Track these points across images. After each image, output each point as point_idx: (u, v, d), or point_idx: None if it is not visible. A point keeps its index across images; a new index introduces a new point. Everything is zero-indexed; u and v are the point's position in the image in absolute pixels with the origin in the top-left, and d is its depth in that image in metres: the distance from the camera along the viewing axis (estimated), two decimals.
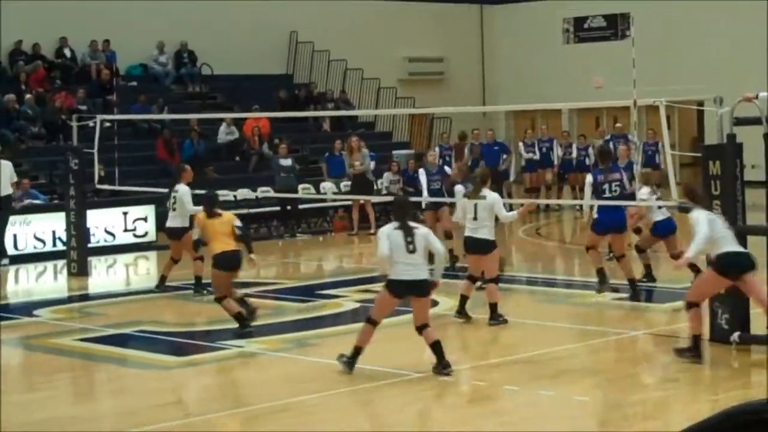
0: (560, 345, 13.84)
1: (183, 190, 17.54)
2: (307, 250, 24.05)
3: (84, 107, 26.93)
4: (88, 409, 11.67)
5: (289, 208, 25.60)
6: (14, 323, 15.78)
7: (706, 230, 12.16)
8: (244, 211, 25.66)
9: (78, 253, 20.09)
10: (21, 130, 26.58)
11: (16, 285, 20.64)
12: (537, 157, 29.81)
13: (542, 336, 14.42)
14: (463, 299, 15.05)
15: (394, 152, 29.31)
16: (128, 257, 22.57)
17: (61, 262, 21.04)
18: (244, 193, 24.11)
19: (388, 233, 11.92)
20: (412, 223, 12.07)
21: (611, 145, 29.67)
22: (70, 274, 20.23)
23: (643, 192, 16.78)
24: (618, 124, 31.02)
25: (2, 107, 26.69)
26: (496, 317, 14.68)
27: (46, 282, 21.31)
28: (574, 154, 29.83)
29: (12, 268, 21.28)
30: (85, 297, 18.82)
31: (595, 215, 16.98)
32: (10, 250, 21.76)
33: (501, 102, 36.69)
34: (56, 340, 14.35)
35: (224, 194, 23.40)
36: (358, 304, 16.57)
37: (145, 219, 23.60)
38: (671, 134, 18.19)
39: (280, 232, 25.54)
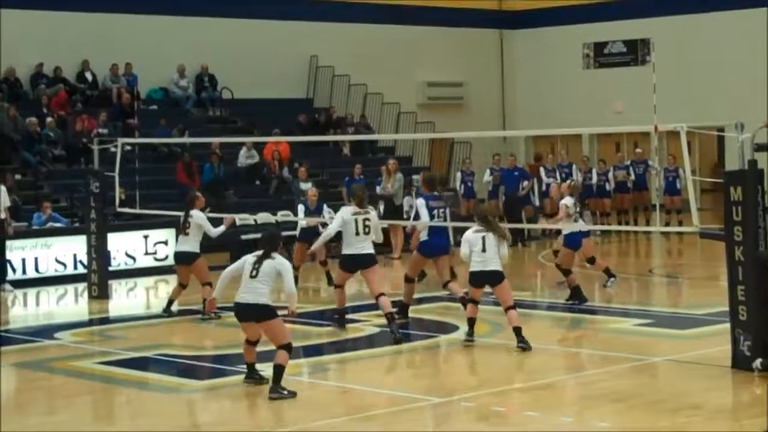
0: (581, 371, 13.80)
1: (198, 216, 17.58)
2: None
3: (105, 131, 27.05)
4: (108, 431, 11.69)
5: None
6: (35, 346, 15.80)
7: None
8: None
9: (99, 276, 20.12)
10: (42, 154, 26.68)
11: (37, 308, 20.69)
12: (558, 182, 29.71)
13: (562, 361, 14.37)
14: (472, 322, 15.03)
15: (414, 177, 29.31)
16: (149, 280, 22.61)
17: (81, 285, 21.09)
18: (264, 217, 24.10)
19: (246, 259, 12.62)
20: (275, 254, 12.58)
21: (631, 170, 29.80)
22: (90, 297, 20.27)
23: (567, 200, 17.94)
24: (638, 150, 31.01)
25: (24, 130, 26.81)
26: (523, 340, 14.64)
27: (66, 305, 21.36)
28: (594, 179, 29.79)
29: (32, 291, 21.34)
30: (106, 320, 18.84)
31: (426, 237, 17.11)
32: (31, 273, 21.85)
33: (520, 126, 36.69)
34: (77, 362, 14.36)
35: (244, 218, 23.50)
36: (378, 329, 16.54)
37: (165, 242, 23.64)
38: (692, 160, 18.31)
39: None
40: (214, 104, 31.69)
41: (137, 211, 21.60)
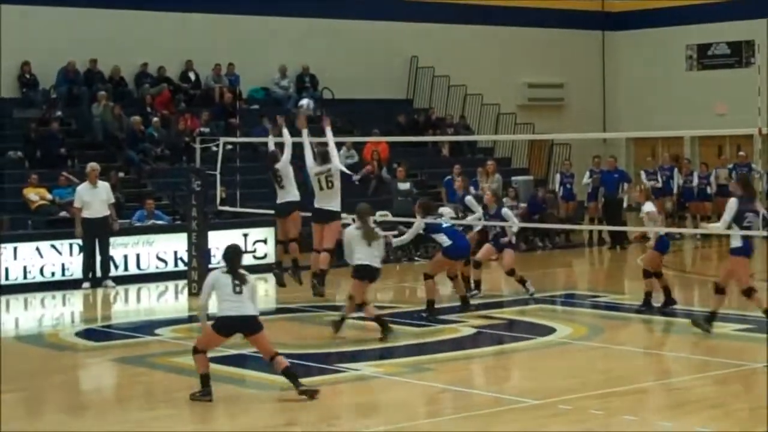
0: (680, 376, 13.67)
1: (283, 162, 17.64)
2: None
3: (207, 130, 27.33)
4: (207, 428, 11.81)
5: None
6: (136, 342, 16.03)
7: None
8: None
9: (199, 273, 20.31)
10: (146, 152, 27.05)
11: (138, 304, 20.99)
12: (659, 184, 29.45)
13: (662, 366, 14.25)
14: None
15: (513, 178, 29.27)
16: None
17: (182, 282, 21.34)
18: None
19: (215, 275, 12.79)
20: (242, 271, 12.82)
21: (734, 174, 29.41)
22: (190, 294, 20.49)
23: (648, 206, 17.75)
24: (741, 153, 30.60)
25: (129, 129, 27.21)
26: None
27: (167, 301, 21.64)
28: (695, 183, 29.46)
29: (134, 287, 21.65)
30: (206, 317, 19.01)
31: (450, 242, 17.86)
32: (133, 270, 22.16)
33: (621, 128, 36.39)
34: (176, 359, 14.54)
35: (344, 217, 23.59)
36: (474, 330, 16.55)
37: (264, 241, 23.84)
38: None
39: (397, 256, 25.58)
40: (315, 104, 31.81)
41: (237, 209, 21.78)
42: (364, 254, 16.22)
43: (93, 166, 22.09)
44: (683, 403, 12.17)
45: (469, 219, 19.51)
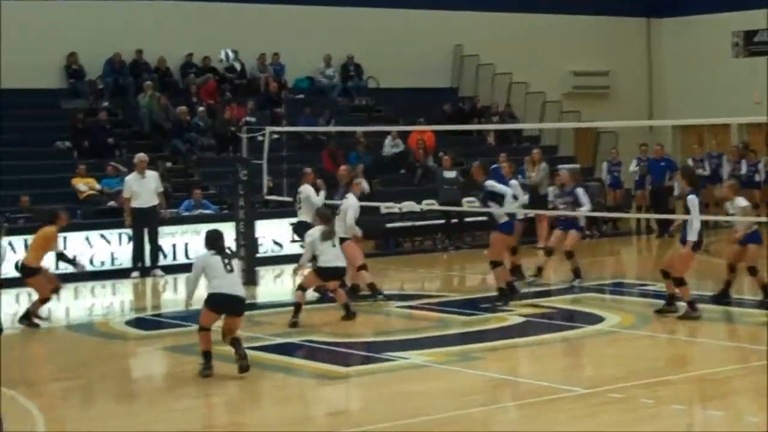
0: (730, 365, 13.59)
1: (305, 189, 19.58)
2: (472, 263, 24.01)
3: (253, 119, 27.40)
4: (258, 416, 11.86)
5: (454, 220, 25.64)
6: (185, 330, 16.10)
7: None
8: (409, 223, 25.87)
9: (246, 262, 20.37)
10: (192, 142, 27.16)
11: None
12: (706, 172, 29.25)
13: (712, 355, 14.18)
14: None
15: (559, 166, 29.12)
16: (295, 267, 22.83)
17: None
18: (408, 206, 24.21)
19: (203, 259, 13.39)
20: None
21: None
22: None
23: (741, 201, 17.50)
24: None
25: (175, 119, 27.32)
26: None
27: None
28: (744, 170, 29.25)
29: (182, 276, 21.71)
30: (253, 306, 19.05)
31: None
32: (181, 259, 22.26)
33: (668, 116, 36.16)
34: (225, 347, 14.58)
35: (389, 206, 23.65)
36: (522, 318, 16.53)
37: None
38: None
39: (444, 245, 25.60)
40: (360, 93, 31.88)
41: (284, 198, 21.84)
42: (332, 255, 16.51)
43: (141, 156, 22.23)
44: (733, 392, 12.11)
45: (515, 205, 19.40)
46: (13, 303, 18.63)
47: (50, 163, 25.38)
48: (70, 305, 20.07)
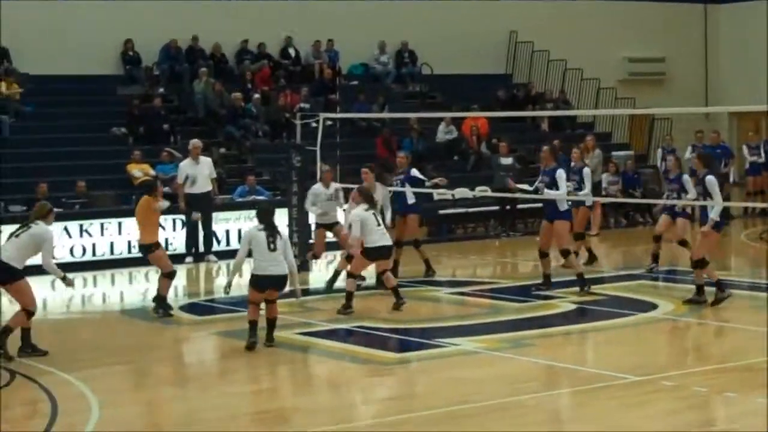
0: None
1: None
2: (524, 250, 23.94)
3: (307, 105, 27.45)
4: (309, 401, 11.90)
5: (507, 207, 25.60)
6: (238, 316, 16.19)
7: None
8: (462, 210, 25.87)
9: (299, 248, 20.44)
10: (246, 128, 27.26)
11: (240, 278, 21.15)
12: (762, 159, 29.00)
13: (763, 343, 14.07)
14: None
15: (614, 153, 29.03)
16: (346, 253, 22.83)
17: None
18: (461, 192, 24.17)
19: (251, 233, 14.01)
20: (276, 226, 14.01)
21: None
22: None
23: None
24: None
25: (230, 105, 27.43)
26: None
27: None
28: None
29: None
30: (306, 292, 19.07)
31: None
32: (235, 245, 22.31)
33: (724, 103, 35.86)
34: (278, 333, 14.65)
35: (442, 193, 23.61)
36: (574, 306, 16.49)
37: None
38: None
39: (497, 231, 25.57)
40: (414, 80, 31.85)
41: (338, 185, 21.86)
42: (377, 235, 16.36)
43: (195, 143, 22.34)
44: None
45: (581, 194, 19.34)
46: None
47: (106, 150, 25.60)
48: (124, 290, 20.26)
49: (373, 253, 16.43)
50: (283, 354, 13.87)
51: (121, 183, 24.29)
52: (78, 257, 21.37)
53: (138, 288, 20.46)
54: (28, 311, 13.71)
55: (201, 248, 22.19)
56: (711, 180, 15.95)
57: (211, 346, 15.04)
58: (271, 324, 14.12)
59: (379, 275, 17.36)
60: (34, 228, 13.79)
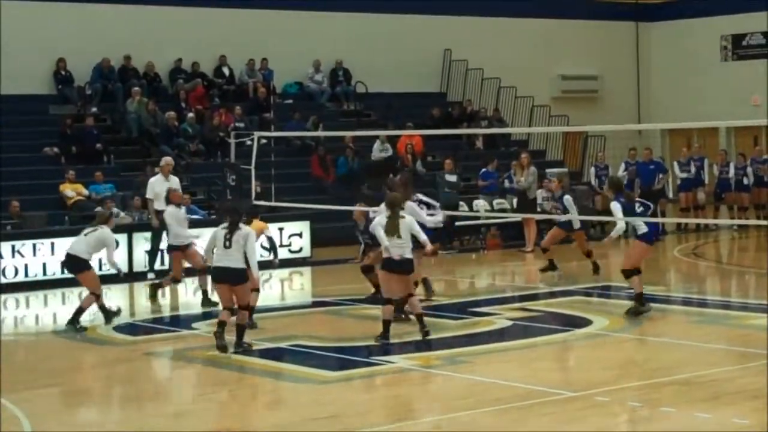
0: (718, 367, 13.59)
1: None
2: (461, 267, 24.03)
3: (241, 124, 27.40)
4: (245, 422, 11.85)
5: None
6: (174, 336, 16.08)
7: None
8: None
9: None
10: (181, 147, 27.14)
11: (176, 299, 21.04)
12: (692, 176, 29.30)
13: (699, 357, 14.19)
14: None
15: (548, 170, 29.16)
16: (283, 272, 22.80)
17: None
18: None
19: (215, 231, 14.68)
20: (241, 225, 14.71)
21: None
22: None
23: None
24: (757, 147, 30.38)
25: (163, 125, 27.30)
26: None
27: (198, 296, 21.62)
28: (731, 173, 29.27)
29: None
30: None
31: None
32: (167, 264, 22.20)
33: (657, 120, 36.22)
34: (214, 352, 14.59)
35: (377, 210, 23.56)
36: (510, 322, 16.54)
37: (300, 235, 23.86)
38: None
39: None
40: (348, 98, 31.90)
41: (273, 203, 21.85)
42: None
43: (167, 160, 22.15)
44: (721, 394, 12.11)
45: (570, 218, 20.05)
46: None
47: (39, 169, 25.38)
48: (58, 311, 20.05)
49: (391, 266, 15.32)
50: (219, 373, 13.78)
51: (54, 203, 24.06)
52: (10, 278, 21.13)
53: (71, 309, 20.18)
54: (95, 294, 16.80)
55: (143, 267, 21.98)
56: (614, 205, 16.68)
57: (146, 366, 14.91)
58: (239, 330, 14.64)
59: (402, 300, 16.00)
60: (100, 231, 16.82)
